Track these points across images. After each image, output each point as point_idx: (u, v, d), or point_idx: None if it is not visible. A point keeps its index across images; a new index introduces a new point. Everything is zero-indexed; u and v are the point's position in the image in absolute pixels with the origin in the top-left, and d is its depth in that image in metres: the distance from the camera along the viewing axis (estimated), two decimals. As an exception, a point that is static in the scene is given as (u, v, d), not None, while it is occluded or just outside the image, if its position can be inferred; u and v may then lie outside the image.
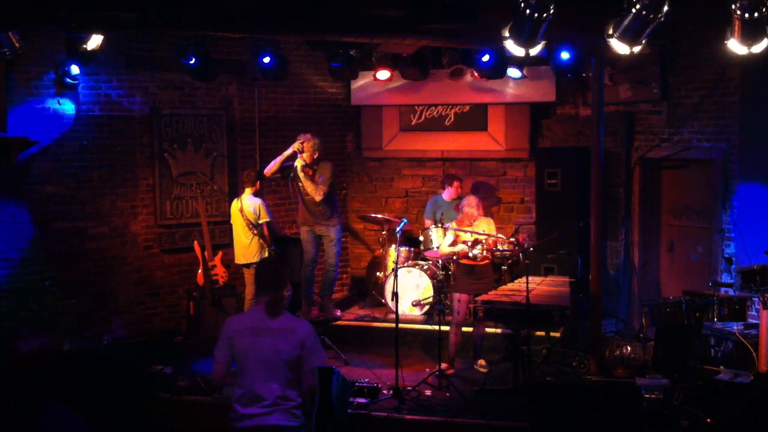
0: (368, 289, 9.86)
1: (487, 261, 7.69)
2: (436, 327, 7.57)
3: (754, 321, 7.04)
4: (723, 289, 7.36)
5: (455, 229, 7.67)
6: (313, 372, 4.66)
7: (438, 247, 8.33)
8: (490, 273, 7.83)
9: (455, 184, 9.35)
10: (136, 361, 7.47)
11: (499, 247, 7.65)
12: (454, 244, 7.70)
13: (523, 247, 7.52)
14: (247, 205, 8.28)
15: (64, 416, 3.05)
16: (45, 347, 3.11)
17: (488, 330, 8.14)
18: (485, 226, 7.71)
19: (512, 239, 7.74)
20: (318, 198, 8.37)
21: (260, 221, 8.25)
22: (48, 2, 5.95)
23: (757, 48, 5.95)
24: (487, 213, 9.72)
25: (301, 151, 8.34)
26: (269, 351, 4.59)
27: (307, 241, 8.65)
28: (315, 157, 8.41)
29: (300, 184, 8.46)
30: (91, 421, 3.16)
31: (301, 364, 4.61)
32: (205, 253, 8.60)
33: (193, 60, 8.20)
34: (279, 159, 8.46)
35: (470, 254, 7.56)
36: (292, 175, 8.46)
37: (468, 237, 7.57)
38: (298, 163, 8.38)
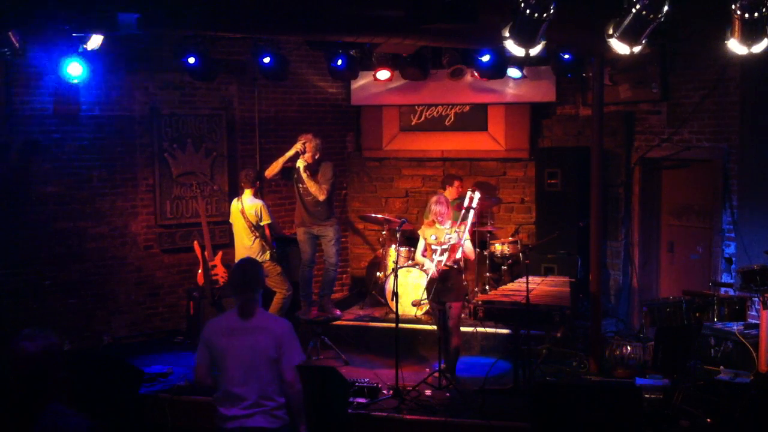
0: (368, 289, 9.86)
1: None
2: (436, 327, 7.56)
3: (754, 321, 7.05)
4: (723, 289, 7.36)
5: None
6: (292, 370, 4.58)
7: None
8: (458, 278, 7.41)
9: (456, 183, 9.34)
10: (136, 361, 7.47)
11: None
12: (425, 249, 7.51)
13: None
14: (248, 206, 8.27)
15: (68, 415, 3.04)
16: (49, 347, 3.10)
17: (481, 330, 8.14)
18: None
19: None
20: (321, 197, 8.34)
21: (262, 223, 8.24)
22: (48, 2, 5.95)
23: (757, 48, 5.95)
24: (487, 213, 9.74)
25: (303, 152, 8.32)
26: (246, 351, 4.55)
27: (304, 242, 8.62)
28: (316, 157, 8.39)
29: (301, 185, 8.44)
30: (94, 420, 3.15)
31: (279, 362, 4.57)
32: (205, 253, 8.60)
33: (193, 60, 8.22)
34: (281, 160, 8.44)
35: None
36: (295, 176, 8.46)
37: (432, 240, 7.41)
38: (300, 164, 8.37)
